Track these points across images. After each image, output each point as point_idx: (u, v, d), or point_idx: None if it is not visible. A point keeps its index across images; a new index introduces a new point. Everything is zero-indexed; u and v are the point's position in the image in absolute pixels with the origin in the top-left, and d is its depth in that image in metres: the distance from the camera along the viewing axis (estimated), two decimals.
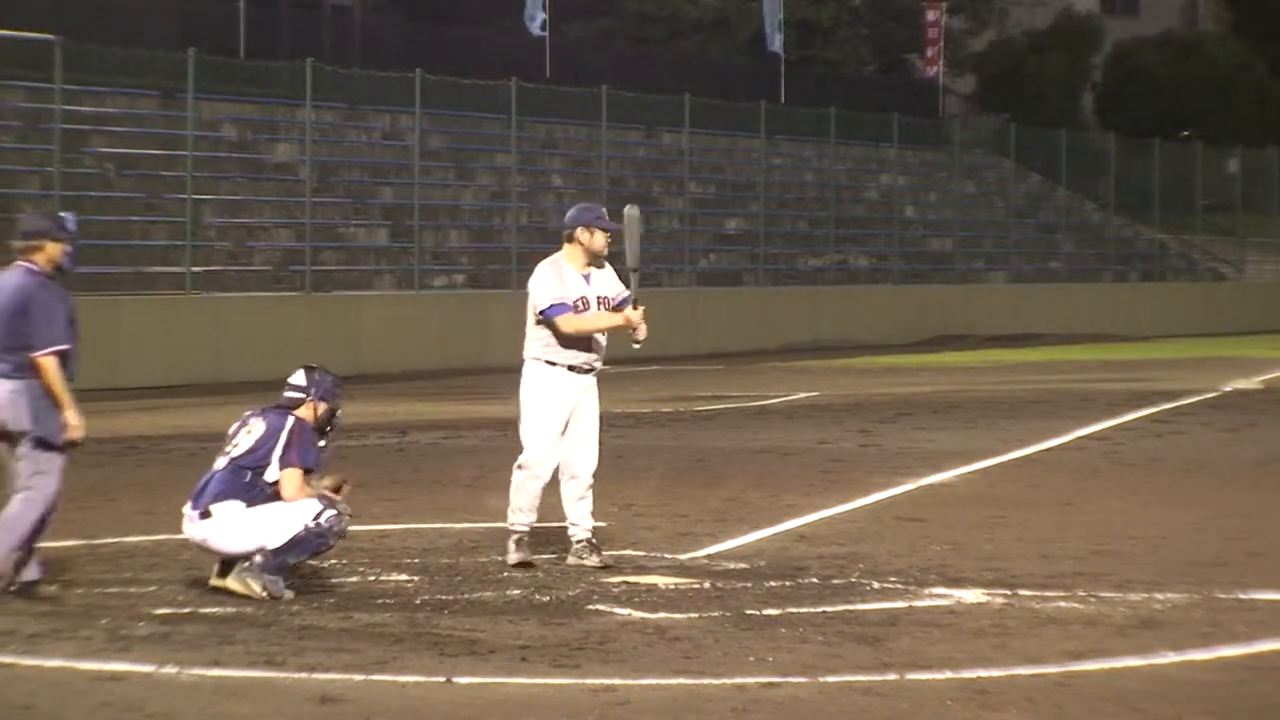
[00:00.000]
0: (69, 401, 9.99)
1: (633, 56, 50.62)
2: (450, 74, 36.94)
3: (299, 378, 10.56)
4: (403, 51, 40.53)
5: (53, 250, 10.25)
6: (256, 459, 10.22)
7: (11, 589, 9.99)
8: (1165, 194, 52.05)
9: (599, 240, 11.32)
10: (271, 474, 10.20)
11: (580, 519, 11.18)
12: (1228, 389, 25.26)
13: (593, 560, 11.05)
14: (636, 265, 11.31)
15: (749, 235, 41.97)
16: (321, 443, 10.48)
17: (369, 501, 12.88)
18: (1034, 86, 59.82)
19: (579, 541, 11.15)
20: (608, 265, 11.44)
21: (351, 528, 10.83)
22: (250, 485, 10.19)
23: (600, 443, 11.31)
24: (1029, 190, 52.68)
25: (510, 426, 20.34)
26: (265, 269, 31.87)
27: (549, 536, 11.39)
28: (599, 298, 11.21)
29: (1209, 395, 24.17)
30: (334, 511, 10.18)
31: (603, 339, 11.28)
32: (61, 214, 10.58)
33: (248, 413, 10.53)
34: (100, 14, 34.99)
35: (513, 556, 11.04)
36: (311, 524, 10.09)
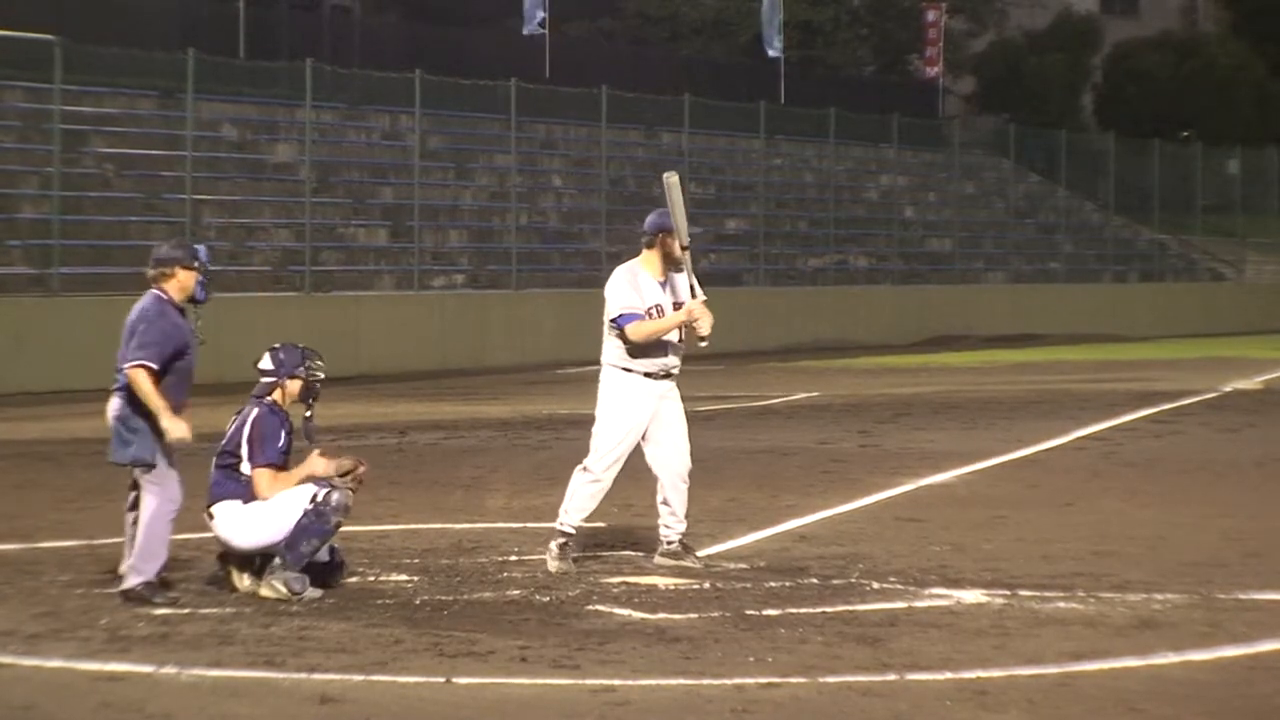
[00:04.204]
0: (161, 409, 9.88)
1: (632, 57, 50.58)
2: (450, 74, 36.96)
3: (265, 361, 10.51)
4: (402, 51, 40.52)
5: (184, 279, 10.22)
6: (231, 454, 10.26)
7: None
8: (1165, 194, 52.06)
9: (678, 245, 11.24)
10: (246, 468, 10.21)
11: (671, 522, 11.07)
12: (1228, 389, 25.25)
13: (686, 561, 10.97)
14: (686, 242, 11.05)
15: (749, 235, 41.97)
16: (308, 414, 10.47)
17: (369, 502, 12.87)
18: (1034, 87, 59.85)
19: (670, 543, 11.08)
20: (686, 271, 11.25)
21: (352, 528, 10.83)
22: (236, 480, 10.21)
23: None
24: (1028, 191, 52.68)
25: (509, 427, 20.54)
26: (265, 269, 31.86)
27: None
28: (675, 304, 11.05)
29: (1209, 395, 24.17)
30: (329, 488, 10.14)
31: (678, 343, 11.12)
32: (196, 245, 10.51)
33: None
34: (100, 14, 34.96)
35: (555, 564, 10.87)
36: (310, 506, 10.08)
